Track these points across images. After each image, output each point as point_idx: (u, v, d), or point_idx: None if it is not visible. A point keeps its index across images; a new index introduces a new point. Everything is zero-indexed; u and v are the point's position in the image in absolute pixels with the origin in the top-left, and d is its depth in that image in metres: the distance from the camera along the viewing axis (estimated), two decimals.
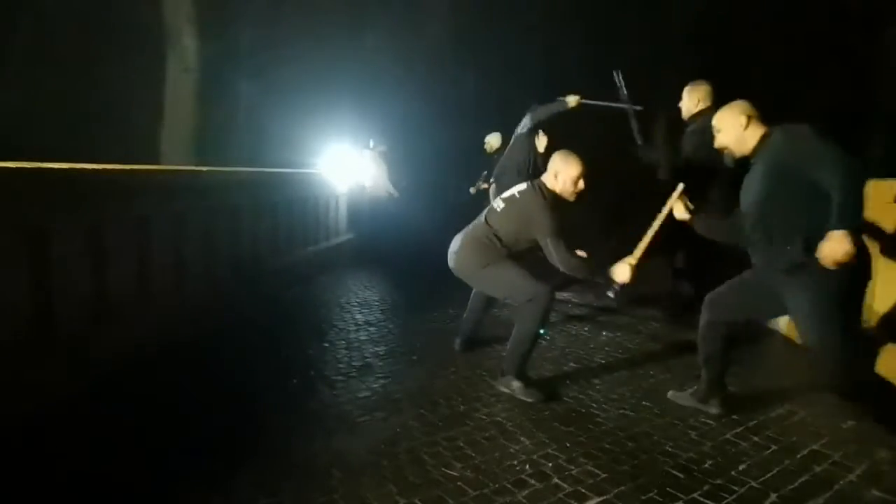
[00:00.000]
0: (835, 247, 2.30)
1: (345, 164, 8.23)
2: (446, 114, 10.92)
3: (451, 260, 3.56)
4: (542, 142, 5.47)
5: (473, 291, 3.93)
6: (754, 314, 2.98)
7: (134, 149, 8.06)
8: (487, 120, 9.11)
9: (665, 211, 3.03)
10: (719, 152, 4.20)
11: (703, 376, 3.03)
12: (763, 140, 2.65)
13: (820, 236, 2.37)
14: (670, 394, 3.21)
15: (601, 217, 8.26)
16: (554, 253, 3.22)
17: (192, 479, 2.34)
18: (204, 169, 5.77)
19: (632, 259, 3.08)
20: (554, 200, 3.32)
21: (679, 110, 4.50)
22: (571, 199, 3.38)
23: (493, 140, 7.74)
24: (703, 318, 2.94)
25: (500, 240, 3.39)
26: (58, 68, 8.10)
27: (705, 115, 4.10)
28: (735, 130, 2.70)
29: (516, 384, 3.25)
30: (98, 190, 3.41)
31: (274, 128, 9.91)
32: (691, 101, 4.41)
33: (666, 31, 9.78)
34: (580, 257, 3.26)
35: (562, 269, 3.26)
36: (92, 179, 3.42)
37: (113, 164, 3.80)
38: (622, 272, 3.08)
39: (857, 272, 2.46)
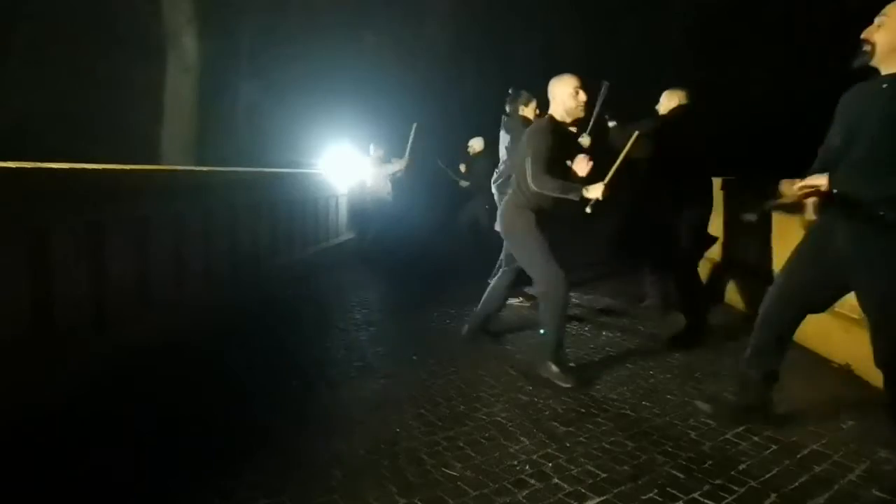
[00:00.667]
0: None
1: (345, 165, 8.23)
2: (446, 113, 10.93)
3: (497, 222, 3.76)
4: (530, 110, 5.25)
5: (491, 285, 4.11)
6: (815, 307, 2.59)
7: (134, 149, 8.07)
8: (487, 119, 9.09)
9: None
10: (695, 144, 4.23)
11: (740, 397, 2.78)
12: None
13: None
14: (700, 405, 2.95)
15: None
16: (529, 171, 3.37)
17: (193, 479, 2.34)
18: (203, 169, 5.78)
19: (605, 180, 3.23)
20: (555, 129, 3.42)
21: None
22: (580, 113, 3.46)
23: (476, 144, 8.01)
24: (761, 336, 2.63)
25: (519, 192, 3.55)
26: (58, 68, 8.10)
27: (684, 110, 4.38)
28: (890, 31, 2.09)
29: (553, 369, 3.43)
30: (98, 190, 3.41)
31: (274, 128, 9.93)
32: (671, 101, 4.53)
33: (666, 31, 9.79)
34: (555, 179, 3.34)
35: (535, 187, 3.39)
36: (92, 179, 3.42)
37: (113, 164, 3.80)
38: (595, 190, 3.21)
39: None
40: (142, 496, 2.24)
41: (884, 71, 2.13)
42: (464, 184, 8.23)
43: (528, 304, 5.38)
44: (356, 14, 10.84)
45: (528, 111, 5.17)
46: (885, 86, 2.12)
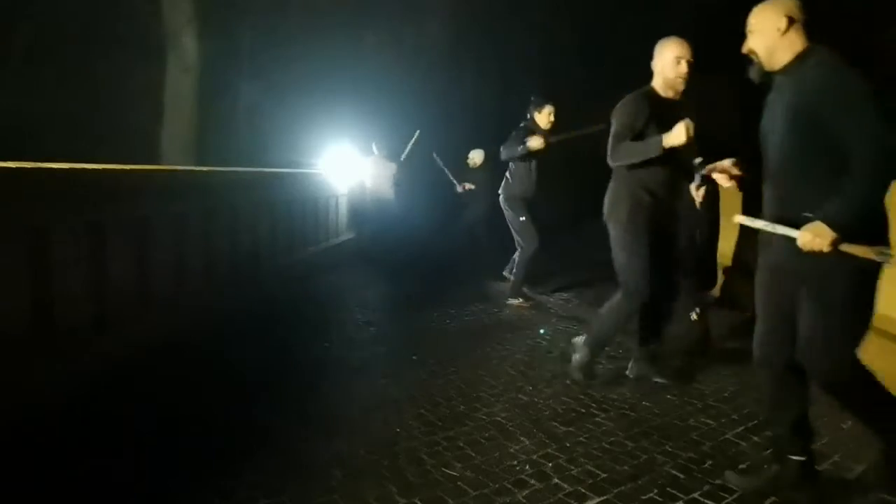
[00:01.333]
0: (812, 239, 1.91)
1: (345, 165, 8.23)
2: (446, 113, 10.92)
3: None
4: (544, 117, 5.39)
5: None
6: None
7: (134, 149, 8.07)
8: (488, 119, 9.09)
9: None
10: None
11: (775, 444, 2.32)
12: (797, 59, 2.05)
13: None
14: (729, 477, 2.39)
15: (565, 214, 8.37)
16: (609, 145, 3.17)
17: (193, 479, 2.34)
18: (204, 169, 5.79)
19: (686, 123, 2.91)
20: (649, 101, 3.14)
21: None
22: (681, 85, 3.14)
23: (476, 157, 7.96)
24: (765, 370, 2.26)
25: (617, 179, 3.29)
26: (58, 69, 8.10)
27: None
28: (770, 34, 2.08)
29: (581, 356, 3.41)
30: (98, 190, 3.41)
31: (274, 128, 9.93)
32: None
33: (665, 31, 9.79)
34: (627, 144, 3.08)
35: (611, 162, 3.20)
36: (92, 179, 3.42)
37: (113, 164, 3.80)
38: (677, 135, 2.90)
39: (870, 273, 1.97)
40: (142, 496, 2.24)
41: (778, 71, 2.13)
42: (468, 186, 8.12)
43: (527, 305, 5.40)
44: (356, 14, 10.83)
45: (541, 118, 5.34)
46: (781, 77, 2.11)
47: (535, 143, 5.03)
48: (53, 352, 2.96)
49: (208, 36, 9.45)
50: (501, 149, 5.37)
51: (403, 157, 8.02)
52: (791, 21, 2.05)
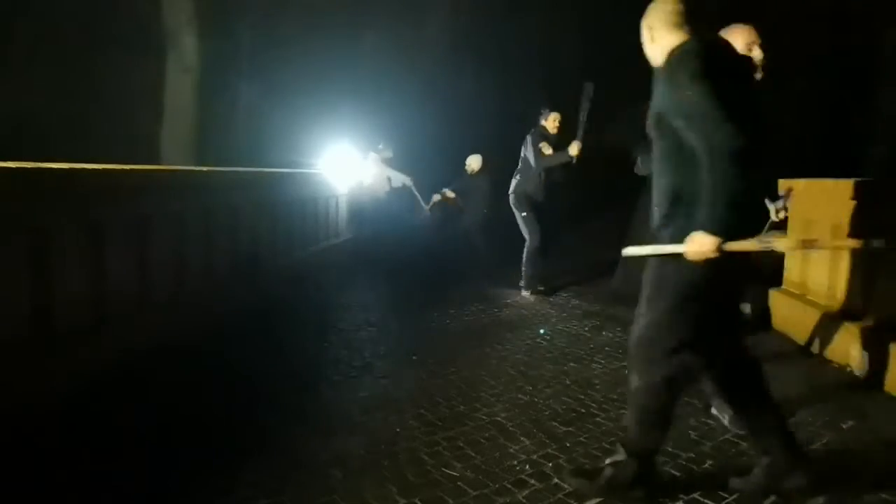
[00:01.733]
0: (697, 249, 1.92)
1: (344, 165, 8.23)
2: (447, 113, 10.92)
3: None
4: (552, 122, 5.70)
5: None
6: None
7: (134, 149, 8.07)
8: (489, 119, 9.08)
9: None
10: None
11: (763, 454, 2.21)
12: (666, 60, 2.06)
13: (686, 207, 1.95)
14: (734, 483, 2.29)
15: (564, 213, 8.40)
16: None
17: (193, 478, 2.34)
18: (204, 169, 5.78)
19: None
20: None
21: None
22: (758, 73, 2.70)
23: (473, 163, 7.94)
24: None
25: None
26: (58, 68, 8.10)
27: None
28: (647, 44, 2.16)
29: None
30: (98, 190, 3.41)
31: (274, 128, 9.92)
32: None
33: None
34: None
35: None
36: (92, 179, 3.42)
37: (113, 164, 3.80)
38: None
39: (722, 278, 2.00)
40: (142, 496, 2.24)
41: None
42: (436, 198, 8.09)
43: (532, 299, 5.51)
44: (356, 14, 10.83)
45: (548, 123, 5.70)
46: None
47: (574, 149, 5.33)
48: (53, 352, 2.96)
49: (208, 36, 9.44)
50: (534, 162, 5.56)
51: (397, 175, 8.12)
52: (650, 30, 2.12)
